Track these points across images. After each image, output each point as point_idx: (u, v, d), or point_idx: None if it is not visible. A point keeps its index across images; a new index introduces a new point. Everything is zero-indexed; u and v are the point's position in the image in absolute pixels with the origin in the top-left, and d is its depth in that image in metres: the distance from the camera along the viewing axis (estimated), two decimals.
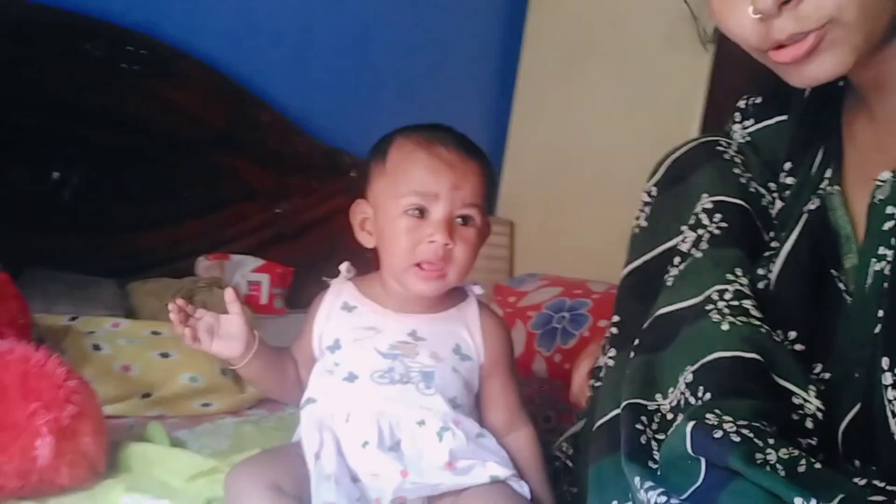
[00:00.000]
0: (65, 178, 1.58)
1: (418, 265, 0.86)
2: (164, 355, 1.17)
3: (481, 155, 0.92)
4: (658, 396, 0.74)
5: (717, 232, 0.80)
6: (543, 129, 2.28)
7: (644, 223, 0.88)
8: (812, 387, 0.69)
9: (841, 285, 0.74)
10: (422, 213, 0.86)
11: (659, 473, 0.68)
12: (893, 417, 0.67)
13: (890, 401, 0.67)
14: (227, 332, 0.89)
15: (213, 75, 1.77)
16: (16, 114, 1.51)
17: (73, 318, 1.24)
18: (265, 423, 1.14)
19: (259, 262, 1.85)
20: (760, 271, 0.79)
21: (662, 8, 1.96)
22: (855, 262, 0.74)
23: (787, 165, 0.84)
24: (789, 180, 0.83)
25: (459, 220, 0.87)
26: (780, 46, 0.68)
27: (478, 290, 0.94)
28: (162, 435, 0.96)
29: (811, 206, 0.78)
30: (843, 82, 0.82)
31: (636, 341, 0.80)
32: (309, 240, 2.00)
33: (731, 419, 0.64)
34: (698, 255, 0.80)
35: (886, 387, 0.67)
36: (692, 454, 0.64)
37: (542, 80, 2.29)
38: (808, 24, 0.66)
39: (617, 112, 2.11)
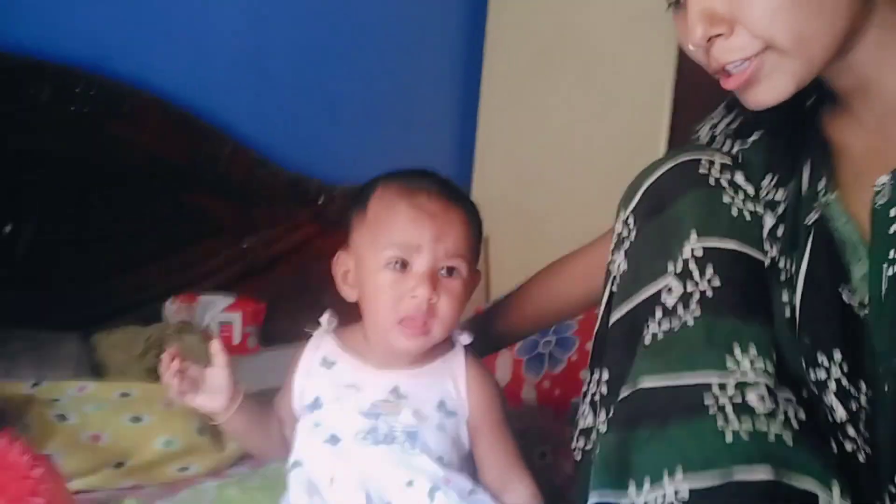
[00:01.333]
0: (17, 230, 1.49)
1: (401, 321, 0.82)
2: (136, 419, 1.10)
3: (466, 202, 0.88)
4: (631, 486, 0.68)
5: (709, 294, 0.74)
6: (511, 141, 2.25)
7: (625, 265, 0.82)
8: (836, 481, 0.64)
9: (848, 299, 0.72)
10: (404, 265, 0.82)
11: None
12: None
13: None
14: (210, 386, 0.85)
15: (169, 110, 1.70)
16: None
17: (35, 385, 1.16)
18: (249, 483, 1.07)
19: (229, 299, 1.78)
20: (784, 298, 0.75)
21: (623, 10, 1.95)
22: (866, 270, 0.71)
23: (767, 181, 0.80)
24: (779, 195, 0.80)
25: (444, 272, 0.83)
26: (726, 72, 0.70)
27: (465, 339, 0.89)
28: None
29: (814, 217, 0.75)
30: (815, 95, 0.81)
31: (611, 411, 0.75)
32: (280, 272, 1.94)
33: None
34: (688, 320, 0.74)
35: None
36: None
37: (506, 91, 2.26)
38: (741, 54, 0.69)
39: (584, 117, 2.09)
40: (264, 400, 0.92)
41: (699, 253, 0.76)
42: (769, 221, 0.79)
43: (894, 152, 0.71)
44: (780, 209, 0.78)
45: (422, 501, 0.79)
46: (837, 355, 0.71)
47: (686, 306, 0.74)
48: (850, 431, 0.71)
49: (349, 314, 0.92)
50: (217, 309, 1.74)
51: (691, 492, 0.64)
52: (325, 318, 0.91)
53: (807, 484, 0.64)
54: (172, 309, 1.68)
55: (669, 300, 0.76)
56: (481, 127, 2.32)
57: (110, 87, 1.60)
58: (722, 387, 0.70)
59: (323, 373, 0.87)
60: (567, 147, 2.12)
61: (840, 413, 0.71)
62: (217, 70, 1.81)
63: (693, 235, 0.76)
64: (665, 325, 0.75)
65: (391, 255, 0.82)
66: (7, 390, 1.13)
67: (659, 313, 0.76)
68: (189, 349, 1.52)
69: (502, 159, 2.27)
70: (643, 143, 1.93)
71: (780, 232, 0.77)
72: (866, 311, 0.70)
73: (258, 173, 1.87)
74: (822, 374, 0.72)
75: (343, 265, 0.89)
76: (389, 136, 2.17)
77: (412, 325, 0.82)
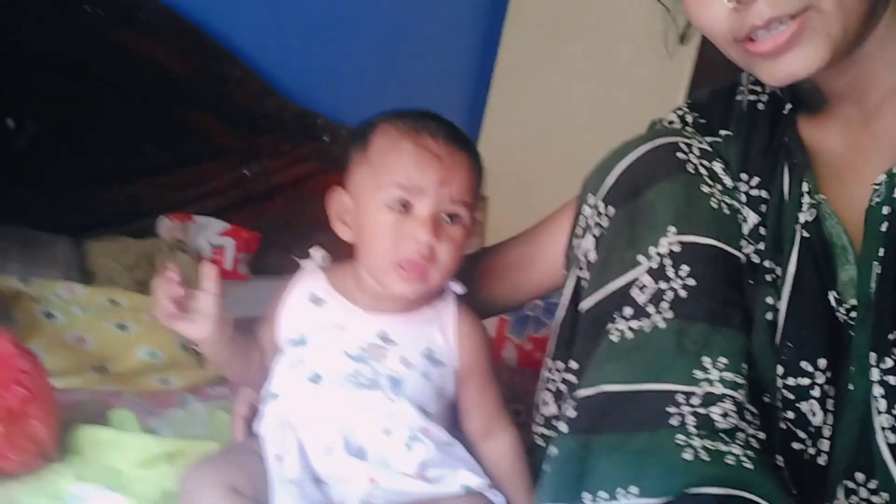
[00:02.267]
0: (19, 126, 1.47)
1: (400, 265, 0.80)
2: (122, 327, 1.11)
3: (472, 147, 0.85)
4: (586, 497, 0.67)
5: (683, 294, 0.72)
6: (523, 103, 2.23)
7: (594, 254, 0.79)
8: None
9: (834, 302, 0.71)
10: (405, 207, 0.80)
11: None
12: (879, 414, 0.65)
13: (875, 397, 0.66)
14: (198, 311, 0.81)
15: (183, 25, 1.67)
16: None
17: (25, 281, 1.16)
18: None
19: (224, 225, 1.77)
20: (768, 300, 0.74)
21: None
22: (853, 275, 0.71)
23: (745, 176, 0.78)
24: (763, 194, 0.77)
25: (446, 217, 0.81)
26: (752, 40, 0.66)
27: (457, 288, 0.87)
28: (132, 423, 0.90)
29: (808, 218, 0.73)
30: (790, 105, 0.80)
31: (574, 412, 0.73)
32: (276, 204, 1.93)
33: None
34: (659, 322, 0.72)
35: (873, 383, 0.66)
36: None
37: (523, 56, 2.23)
38: (785, 9, 0.64)
39: (597, 92, 2.07)
40: (248, 329, 0.90)
41: (676, 248, 0.73)
42: (752, 219, 0.76)
43: (885, 150, 0.70)
44: (764, 209, 0.76)
45: (398, 451, 0.79)
46: (823, 363, 0.70)
47: (657, 306, 0.72)
48: (826, 433, 0.71)
49: (339, 254, 0.90)
50: (211, 232, 1.73)
51: None
52: (317, 254, 0.88)
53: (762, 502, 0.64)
54: (167, 225, 1.67)
55: (640, 297, 0.73)
56: (494, 85, 2.30)
57: None
58: (688, 397, 0.68)
59: (311, 310, 0.85)
60: (577, 119, 2.10)
61: (819, 419, 0.71)
62: None
63: (672, 229, 0.73)
64: (634, 324, 0.73)
65: (393, 195, 0.79)
66: None
67: (629, 310, 0.73)
68: (181, 268, 1.52)
69: (511, 122, 2.25)
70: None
71: (762, 231, 0.75)
72: (849, 315, 0.70)
73: (265, 102, 1.85)
74: (804, 381, 0.71)
75: (339, 202, 0.86)
76: (401, 83, 2.14)
77: (412, 270, 0.79)
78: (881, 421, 0.65)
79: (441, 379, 0.85)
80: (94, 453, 0.86)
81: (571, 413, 0.73)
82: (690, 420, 0.67)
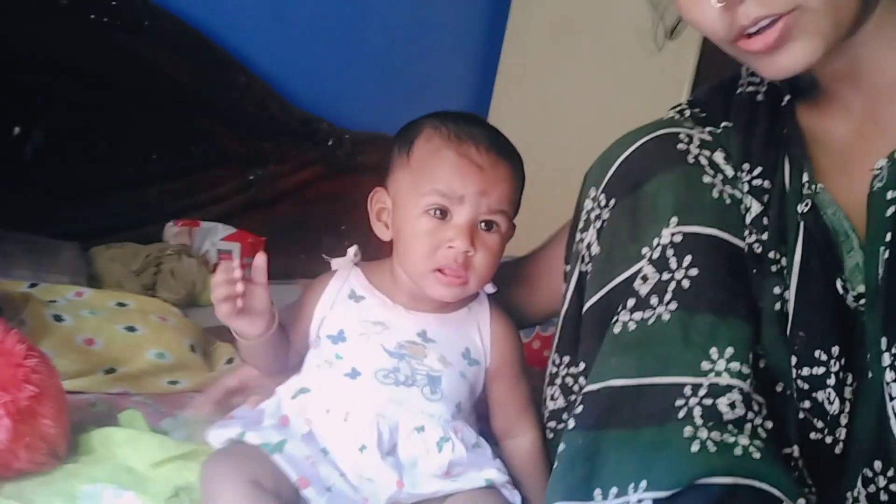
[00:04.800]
0: (26, 133, 1.48)
1: (439, 270, 0.81)
2: (130, 329, 1.11)
3: (515, 157, 0.86)
4: (597, 494, 0.67)
5: (686, 284, 0.71)
6: (527, 105, 2.23)
7: (597, 247, 0.78)
8: (802, 495, 0.64)
9: (842, 290, 0.71)
10: (444, 214, 0.81)
11: None
12: (891, 401, 0.65)
13: (887, 382, 0.65)
14: (250, 306, 0.81)
15: (189, 32, 1.68)
16: None
17: (33, 285, 1.17)
18: None
19: (230, 229, 1.78)
20: (775, 290, 0.73)
21: None
22: (858, 261, 0.71)
23: (747, 166, 0.77)
24: (766, 184, 0.76)
25: (483, 225, 0.82)
26: (748, 36, 0.66)
27: (490, 288, 0.88)
28: (140, 424, 0.90)
29: (804, 209, 0.73)
30: (789, 93, 0.80)
31: (580, 407, 0.72)
32: (282, 208, 1.93)
33: None
34: (663, 314, 0.71)
35: (885, 368, 0.65)
36: None
37: (526, 56, 2.24)
38: (773, 8, 0.64)
39: (601, 91, 2.08)
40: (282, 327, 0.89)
41: (678, 239, 0.72)
42: (755, 208, 0.75)
43: (886, 136, 0.70)
44: (766, 199, 0.75)
45: (428, 449, 0.79)
46: (836, 350, 0.70)
47: (660, 297, 0.71)
48: (843, 421, 0.71)
49: (370, 248, 0.90)
50: (217, 237, 1.73)
51: (655, 500, 0.64)
52: (352, 250, 0.88)
53: (772, 491, 0.63)
54: (172, 231, 1.68)
55: (643, 288, 0.73)
56: (498, 87, 2.30)
57: (132, 0, 1.58)
58: (695, 388, 0.68)
59: (350, 306, 0.86)
60: (581, 119, 2.10)
61: (835, 407, 0.70)
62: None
63: (674, 220, 0.73)
64: (637, 315, 0.72)
65: (432, 201, 0.80)
66: (4, 287, 1.13)
67: (631, 301, 0.73)
68: (187, 272, 1.52)
69: (516, 123, 2.25)
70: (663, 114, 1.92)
71: (765, 221, 0.75)
72: (859, 302, 0.70)
73: (271, 108, 1.86)
74: (818, 370, 0.70)
75: (379, 202, 0.87)
76: (404, 88, 2.15)
77: (451, 275, 0.80)
78: (894, 406, 0.65)
79: (474, 377, 0.86)
80: (106, 453, 0.85)
81: (578, 409, 0.73)
82: (697, 412, 0.67)
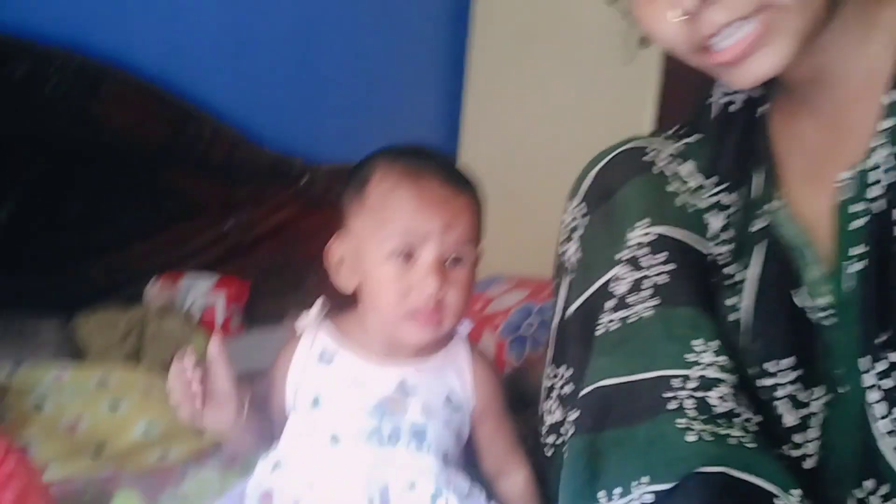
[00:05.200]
0: None
1: (410, 315, 0.78)
2: (114, 407, 1.09)
3: (472, 186, 0.83)
4: (601, 496, 0.67)
5: (663, 280, 0.72)
6: (498, 118, 2.22)
7: (578, 254, 0.80)
8: (795, 491, 0.63)
9: (801, 303, 0.70)
10: (408, 256, 0.78)
11: None
12: (877, 421, 0.64)
13: (869, 404, 0.64)
14: (214, 394, 0.79)
15: (148, 90, 1.67)
16: None
17: (11, 374, 1.15)
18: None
19: (213, 278, 1.77)
20: (728, 302, 0.74)
21: None
22: (817, 274, 0.70)
23: (713, 181, 0.78)
24: (724, 199, 0.77)
25: (450, 262, 0.79)
26: (711, 50, 0.63)
27: (465, 327, 0.85)
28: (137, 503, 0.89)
29: (760, 225, 0.73)
30: (764, 104, 0.79)
31: (575, 413, 0.73)
32: (262, 252, 1.92)
33: None
34: (644, 311, 0.71)
35: (866, 389, 0.65)
36: None
37: (492, 68, 2.23)
38: (739, 11, 0.61)
39: (572, 96, 2.06)
40: (254, 394, 0.86)
41: (652, 238, 0.73)
42: (716, 224, 0.76)
43: (852, 146, 0.68)
44: (727, 214, 0.76)
45: None
46: (789, 361, 0.70)
47: (638, 294, 0.72)
48: (797, 438, 0.71)
49: (337, 296, 0.87)
50: (200, 290, 1.72)
51: (656, 493, 0.63)
52: (315, 307, 0.85)
53: (767, 486, 0.63)
54: (154, 290, 1.67)
55: (620, 288, 0.73)
56: (468, 103, 2.29)
57: (87, 66, 1.57)
58: (683, 380, 0.68)
59: (322, 369, 0.82)
60: (554, 125, 2.09)
61: (788, 420, 0.70)
62: (197, 48, 1.78)
63: (645, 220, 0.74)
64: (619, 315, 0.73)
65: (395, 245, 0.77)
66: None
67: (611, 303, 0.74)
68: (170, 333, 1.51)
69: (489, 138, 2.25)
70: (631, 120, 1.91)
71: (724, 236, 0.76)
72: (821, 314, 0.69)
73: (240, 153, 1.85)
74: (768, 381, 0.71)
75: (338, 253, 0.83)
76: (373, 114, 2.14)
77: (422, 318, 0.78)
78: (881, 427, 0.64)
79: (459, 423, 0.84)
80: None
81: (574, 414, 0.73)
82: (689, 404, 0.67)
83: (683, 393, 0.67)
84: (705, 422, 0.65)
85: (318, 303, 0.85)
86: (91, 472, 1.02)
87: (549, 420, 0.83)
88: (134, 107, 1.65)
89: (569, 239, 0.82)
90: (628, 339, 0.71)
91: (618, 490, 0.66)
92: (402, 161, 0.81)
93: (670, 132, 0.86)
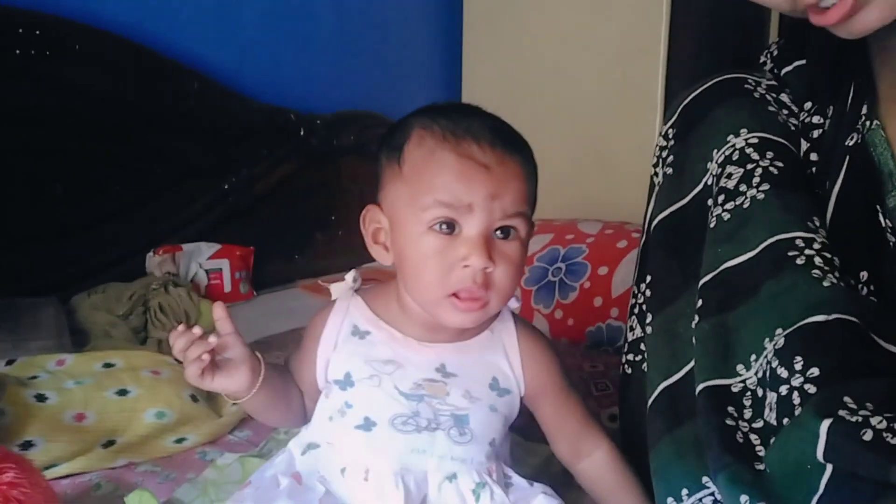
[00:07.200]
0: None
1: (454, 294, 0.69)
2: (122, 392, 1.01)
3: (524, 148, 0.73)
4: (740, 368, 0.63)
5: (774, 171, 0.70)
6: (499, 55, 2.09)
7: (668, 170, 0.79)
8: None
9: (885, 223, 0.67)
10: (451, 227, 0.69)
11: (763, 481, 0.57)
12: None
13: None
14: (227, 360, 0.73)
15: (126, 46, 1.55)
16: None
17: (10, 362, 1.07)
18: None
19: (215, 246, 1.68)
20: None
21: None
22: None
23: (808, 105, 0.76)
24: (815, 120, 0.75)
25: (499, 233, 0.70)
26: (814, 7, 0.62)
27: (513, 304, 0.77)
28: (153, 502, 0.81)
29: (853, 142, 0.70)
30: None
31: (699, 302, 0.69)
32: (265, 213, 1.83)
33: (870, 411, 0.52)
34: (758, 195, 0.69)
35: None
36: (823, 461, 0.52)
37: (492, 12, 2.09)
38: None
39: (577, 26, 1.94)
40: (284, 369, 0.81)
41: (754, 140, 0.73)
42: (802, 146, 0.75)
43: None
44: (815, 134, 0.74)
45: (465, 500, 0.70)
46: (864, 275, 0.67)
47: (750, 183, 0.70)
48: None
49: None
50: (203, 257, 1.64)
51: (786, 337, 0.60)
52: (350, 276, 0.77)
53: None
54: (155, 261, 1.58)
55: (730, 182, 0.72)
56: (467, 40, 2.16)
57: (56, 25, 1.45)
58: (807, 242, 0.65)
59: (354, 344, 0.75)
60: (558, 57, 1.98)
61: None
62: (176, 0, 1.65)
63: (743, 130, 0.73)
64: (730, 205, 0.71)
65: (436, 215, 0.68)
66: None
67: (721, 197, 0.72)
68: (177, 304, 1.43)
69: (492, 77, 2.12)
70: (639, 49, 1.80)
71: (813, 157, 0.74)
72: (893, 239, 0.67)
73: (230, 108, 1.74)
74: None
75: (373, 222, 0.75)
76: (366, 59, 2.02)
77: (468, 299, 0.69)
78: None
79: (508, 408, 0.76)
80: None
81: (698, 303, 0.70)
82: (818, 261, 0.64)
83: (810, 251, 0.65)
84: (840, 279, 0.63)
85: (351, 274, 0.78)
86: (104, 463, 0.95)
87: (630, 337, 0.81)
88: (112, 66, 1.53)
89: (658, 164, 0.81)
90: (745, 222, 0.69)
91: (752, 357, 0.63)
92: (442, 121, 0.71)
93: (767, 62, 0.84)
